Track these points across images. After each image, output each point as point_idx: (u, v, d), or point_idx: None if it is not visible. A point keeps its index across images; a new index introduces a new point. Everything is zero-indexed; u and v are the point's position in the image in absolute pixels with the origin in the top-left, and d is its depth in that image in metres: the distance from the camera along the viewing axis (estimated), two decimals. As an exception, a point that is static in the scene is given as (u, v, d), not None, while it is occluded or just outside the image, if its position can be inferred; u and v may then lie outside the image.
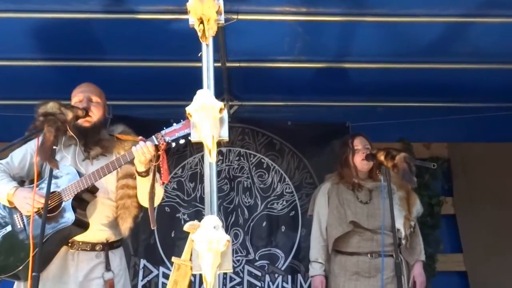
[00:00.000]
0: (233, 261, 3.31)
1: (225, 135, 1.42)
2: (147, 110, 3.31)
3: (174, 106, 3.13)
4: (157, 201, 2.15)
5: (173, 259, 1.44)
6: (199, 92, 1.41)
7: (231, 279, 3.29)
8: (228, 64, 2.89)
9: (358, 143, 2.80)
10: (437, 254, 3.41)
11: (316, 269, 2.79)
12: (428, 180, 3.48)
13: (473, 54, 2.79)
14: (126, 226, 2.17)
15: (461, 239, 3.52)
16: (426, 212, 3.23)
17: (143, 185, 2.10)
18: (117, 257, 2.22)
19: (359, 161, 2.76)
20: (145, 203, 2.16)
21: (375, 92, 3.24)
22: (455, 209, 3.57)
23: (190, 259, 1.37)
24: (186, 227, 1.33)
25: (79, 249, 2.12)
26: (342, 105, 3.47)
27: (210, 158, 1.39)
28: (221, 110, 1.38)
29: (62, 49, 2.73)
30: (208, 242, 1.26)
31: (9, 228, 2.11)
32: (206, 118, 1.35)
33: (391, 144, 3.10)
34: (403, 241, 2.66)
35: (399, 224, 2.63)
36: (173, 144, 2.00)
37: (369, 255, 2.67)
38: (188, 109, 1.39)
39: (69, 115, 1.97)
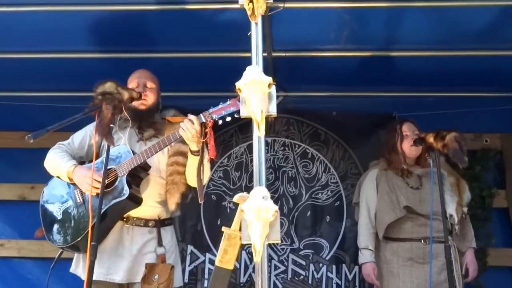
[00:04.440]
0: (278, 249, 3.35)
1: (273, 110, 1.46)
2: (196, 101, 3.37)
3: (222, 97, 3.20)
4: (205, 177, 2.23)
5: (223, 228, 1.49)
6: (248, 67, 1.45)
7: (276, 267, 3.32)
8: (274, 54, 2.91)
9: (407, 129, 2.77)
10: (489, 248, 3.30)
11: (366, 256, 2.75)
12: (479, 172, 3.38)
13: (528, 39, 2.69)
14: (173, 200, 2.26)
15: (514, 233, 3.39)
16: (477, 204, 3.15)
17: (193, 164, 2.18)
18: (168, 234, 2.31)
19: (408, 147, 2.73)
20: (192, 181, 2.24)
21: (424, 81, 3.17)
22: (508, 202, 3.43)
23: (240, 230, 1.41)
24: (235, 198, 1.37)
25: (134, 224, 2.23)
26: (389, 95, 3.42)
27: (259, 132, 1.42)
28: (269, 85, 1.41)
29: (115, 41, 2.83)
30: (257, 211, 1.30)
31: (70, 202, 2.25)
32: (255, 92, 1.38)
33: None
34: (456, 227, 2.61)
35: (452, 209, 2.59)
36: (220, 122, 2.07)
37: (422, 240, 2.63)
38: (237, 84, 1.43)
39: (125, 95, 2.08)
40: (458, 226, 2.63)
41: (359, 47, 2.91)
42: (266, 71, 3.03)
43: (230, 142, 3.48)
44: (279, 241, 1.41)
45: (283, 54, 2.94)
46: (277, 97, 3.39)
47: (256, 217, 1.29)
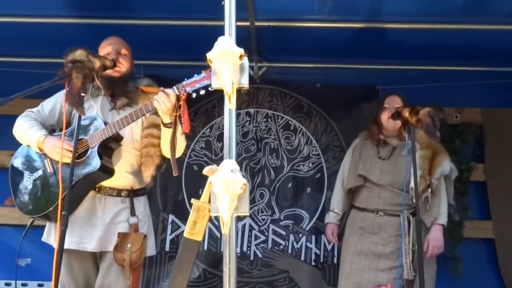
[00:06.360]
0: (259, 219, 3.38)
1: (245, 82, 1.44)
2: (172, 70, 3.31)
3: (197, 66, 3.12)
4: (179, 150, 2.22)
5: (193, 200, 1.50)
6: (220, 38, 1.42)
7: (256, 237, 3.36)
8: (257, 24, 2.86)
9: (388, 102, 2.80)
10: (465, 220, 3.35)
11: (330, 217, 2.93)
12: (458, 146, 3.40)
13: (512, 14, 2.67)
14: (148, 173, 2.25)
15: (491, 206, 3.44)
16: (455, 177, 3.17)
17: (167, 136, 2.16)
18: (141, 204, 2.31)
19: (385, 119, 2.76)
20: (167, 153, 2.23)
21: (408, 54, 3.15)
22: (486, 175, 3.47)
23: (209, 202, 1.41)
24: (205, 171, 1.37)
25: (106, 194, 2.22)
26: (373, 68, 3.41)
27: (230, 104, 1.41)
28: (241, 56, 1.38)
29: (87, 7, 2.73)
30: (225, 184, 1.30)
31: (40, 172, 2.22)
32: (226, 64, 1.36)
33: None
34: (414, 200, 2.61)
35: (413, 182, 2.60)
36: (194, 95, 2.05)
37: (374, 212, 2.70)
38: (208, 55, 1.40)
39: (97, 63, 2.02)
40: (419, 199, 2.53)
41: (343, 18, 2.87)
42: (250, 41, 3.02)
43: (212, 112, 3.47)
44: (248, 214, 1.41)
45: (266, 24, 2.89)
46: (261, 68, 3.43)
47: (224, 190, 1.30)
